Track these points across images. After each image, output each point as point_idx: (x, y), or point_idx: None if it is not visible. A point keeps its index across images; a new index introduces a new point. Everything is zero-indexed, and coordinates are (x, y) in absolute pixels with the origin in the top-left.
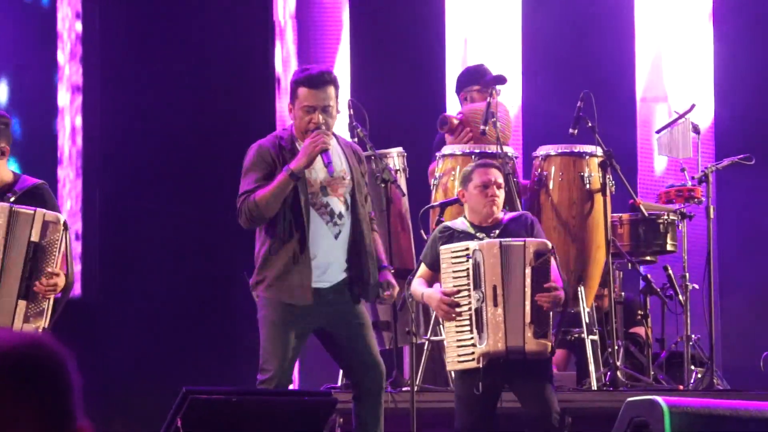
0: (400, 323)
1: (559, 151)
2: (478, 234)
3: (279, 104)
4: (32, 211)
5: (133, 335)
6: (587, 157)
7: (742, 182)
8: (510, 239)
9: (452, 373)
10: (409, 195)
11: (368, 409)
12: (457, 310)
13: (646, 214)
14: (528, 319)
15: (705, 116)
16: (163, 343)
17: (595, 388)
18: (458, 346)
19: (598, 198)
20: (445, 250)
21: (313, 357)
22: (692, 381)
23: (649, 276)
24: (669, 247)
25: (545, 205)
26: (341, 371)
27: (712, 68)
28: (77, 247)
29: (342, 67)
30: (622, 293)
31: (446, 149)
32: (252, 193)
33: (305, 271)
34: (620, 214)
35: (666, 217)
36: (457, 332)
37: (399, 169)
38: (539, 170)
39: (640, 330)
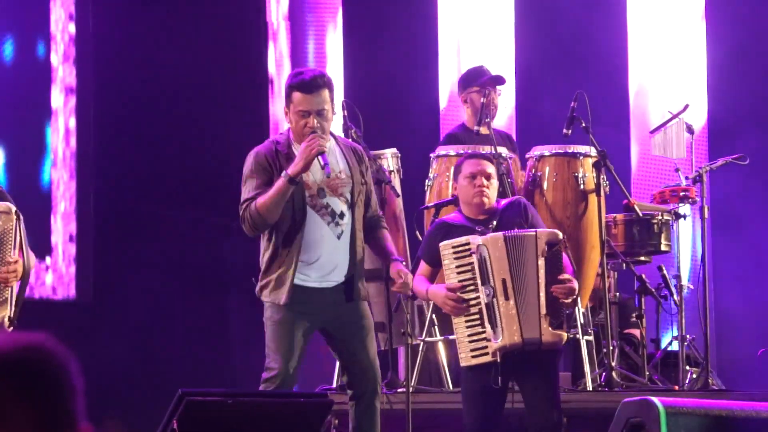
0: (395, 324)
1: (554, 151)
2: (476, 227)
3: (272, 106)
4: None
5: (128, 337)
6: (581, 157)
7: (736, 182)
8: (517, 231)
9: (445, 371)
10: (403, 196)
11: (363, 410)
12: (465, 305)
13: (640, 214)
14: (543, 310)
15: (698, 116)
16: (157, 345)
17: (591, 389)
18: (470, 341)
19: (593, 198)
20: (446, 246)
21: (307, 358)
22: (687, 381)
23: (643, 276)
24: (663, 247)
25: (539, 206)
26: (336, 373)
27: (706, 68)
28: (71, 249)
29: (335, 69)
30: (617, 293)
31: (440, 150)
32: (253, 201)
33: (301, 273)
34: (614, 215)
35: (660, 217)
36: (468, 327)
37: (393, 170)
38: (533, 171)
39: (635, 331)
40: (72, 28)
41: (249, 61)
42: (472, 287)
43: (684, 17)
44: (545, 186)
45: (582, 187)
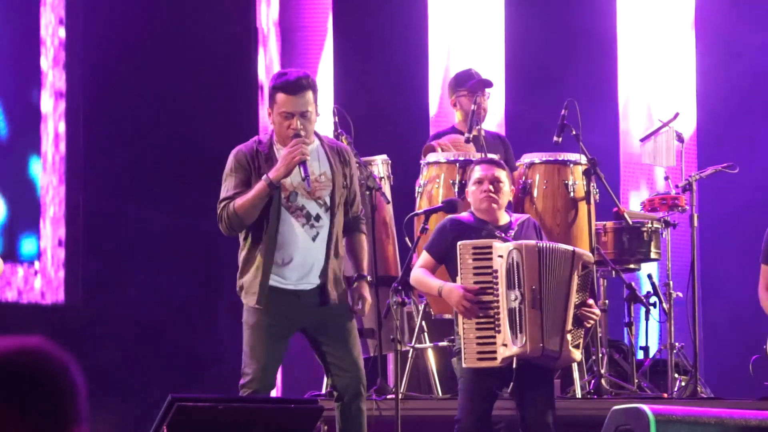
0: (384, 331)
1: (544, 158)
2: (496, 231)
3: (262, 111)
4: None
5: (117, 342)
6: (571, 165)
7: (725, 190)
8: (553, 243)
9: (435, 377)
10: (393, 202)
11: (348, 412)
12: (480, 307)
13: (630, 222)
14: (569, 326)
15: (687, 125)
16: (146, 349)
17: (580, 396)
18: (479, 344)
19: (583, 206)
20: (465, 245)
21: (296, 364)
22: (676, 389)
23: (633, 284)
24: (653, 255)
25: (529, 213)
26: (325, 379)
27: (695, 77)
28: (60, 254)
29: (325, 74)
30: (606, 301)
31: (431, 157)
32: (231, 201)
33: (267, 274)
34: (604, 222)
35: (650, 225)
36: (479, 329)
37: (383, 177)
38: (523, 178)
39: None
40: (62, 32)
41: (239, 67)
42: (489, 290)
43: (673, 26)
44: (535, 193)
45: (572, 194)
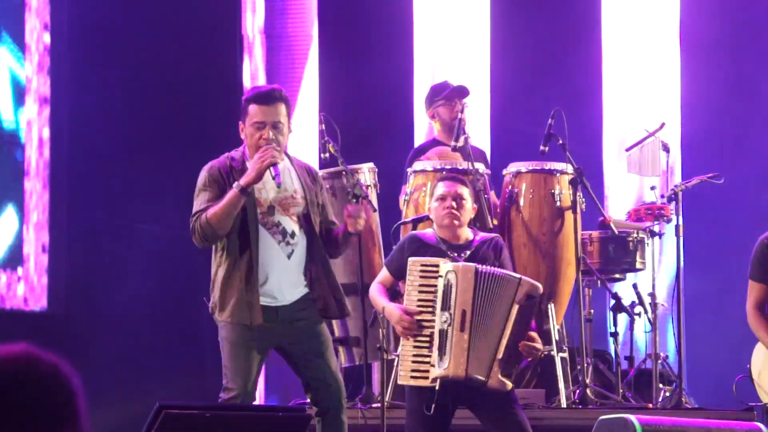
0: (370, 339)
1: (530, 168)
2: (449, 252)
3: None
4: None
5: (100, 349)
6: (558, 174)
7: (711, 200)
8: (495, 270)
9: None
10: (379, 211)
11: (330, 426)
12: (417, 327)
13: (616, 231)
14: (500, 355)
15: (672, 135)
16: (130, 356)
17: (565, 406)
18: (413, 362)
19: (569, 215)
20: (414, 262)
21: (281, 372)
22: (660, 399)
23: (618, 293)
24: (638, 265)
25: (516, 222)
26: None
27: (679, 87)
28: (44, 260)
29: (311, 82)
30: (591, 311)
31: (417, 165)
32: (204, 212)
33: (254, 291)
34: (590, 232)
35: (635, 234)
36: (415, 347)
37: (370, 185)
38: (510, 187)
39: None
40: (47, 38)
41: (224, 74)
42: (429, 309)
43: (658, 36)
44: (522, 203)
45: (558, 204)
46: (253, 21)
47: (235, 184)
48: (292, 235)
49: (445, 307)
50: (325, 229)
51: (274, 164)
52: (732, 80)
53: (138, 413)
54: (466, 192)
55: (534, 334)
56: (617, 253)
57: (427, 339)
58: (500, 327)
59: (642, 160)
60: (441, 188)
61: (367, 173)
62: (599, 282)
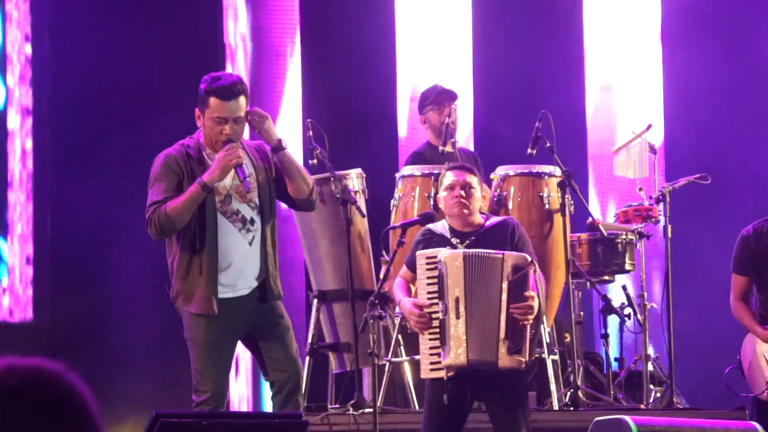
0: (361, 344)
1: (518, 171)
2: (452, 240)
3: None
4: None
5: (86, 360)
6: (546, 177)
7: (696, 201)
8: (480, 251)
9: (411, 391)
10: (368, 216)
11: (284, 403)
12: (429, 320)
13: (605, 233)
14: (503, 334)
15: (656, 136)
16: (116, 368)
17: (557, 408)
18: (430, 354)
19: (558, 218)
20: (420, 255)
21: None
22: (651, 400)
23: (608, 295)
24: (627, 267)
25: None
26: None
27: (662, 88)
28: (29, 272)
29: (294, 89)
30: (581, 313)
31: (405, 170)
32: (162, 204)
33: (215, 282)
34: (579, 234)
35: (624, 236)
36: (430, 340)
37: (358, 191)
38: (498, 190)
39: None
40: (28, 48)
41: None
42: (436, 301)
43: (640, 38)
44: (510, 206)
45: (547, 206)
46: (236, 28)
47: (197, 181)
48: (252, 221)
49: (441, 296)
50: (279, 189)
51: (240, 165)
52: (714, 81)
53: (128, 422)
54: (474, 180)
55: (526, 293)
56: (606, 255)
57: (437, 330)
58: (495, 307)
59: (629, 161)
60: (449, 177)
61: (355, 179)
62: (588, 284)
